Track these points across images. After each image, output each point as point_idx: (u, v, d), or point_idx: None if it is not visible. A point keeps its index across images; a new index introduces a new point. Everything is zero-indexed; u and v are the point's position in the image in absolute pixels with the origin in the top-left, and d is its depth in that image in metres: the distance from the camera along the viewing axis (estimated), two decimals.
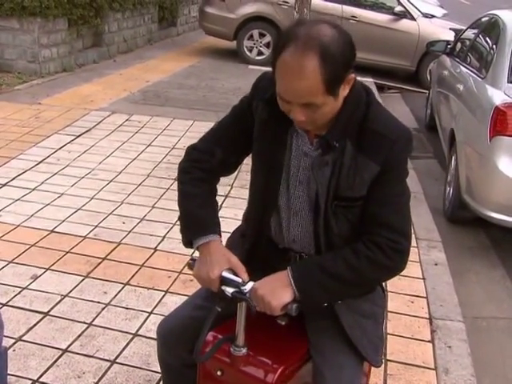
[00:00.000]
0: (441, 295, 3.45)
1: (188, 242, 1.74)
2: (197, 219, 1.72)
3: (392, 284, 3.46)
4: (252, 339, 1.64)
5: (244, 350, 1.63)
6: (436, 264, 3.80)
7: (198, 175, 1.78)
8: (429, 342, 3.01)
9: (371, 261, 1.59)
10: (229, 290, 1.57)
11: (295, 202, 1.72)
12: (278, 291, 1.55)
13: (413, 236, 4.05)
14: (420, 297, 3.41)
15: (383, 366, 2.78)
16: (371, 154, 1.60)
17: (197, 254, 1.70)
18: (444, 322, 3.18)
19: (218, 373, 1.64)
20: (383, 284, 1.91)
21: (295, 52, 1.45)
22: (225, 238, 1.82)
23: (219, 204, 1.84)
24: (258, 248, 1.81)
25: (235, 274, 1.60)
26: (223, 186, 4.31)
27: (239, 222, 2.04)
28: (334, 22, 1.54)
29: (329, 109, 1.55)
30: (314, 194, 1.66)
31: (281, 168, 1.71)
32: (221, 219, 1.79)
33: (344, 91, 1.56)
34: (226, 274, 1.60)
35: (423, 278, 3.61)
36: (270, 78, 1.60)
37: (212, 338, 1.69)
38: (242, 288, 1.56)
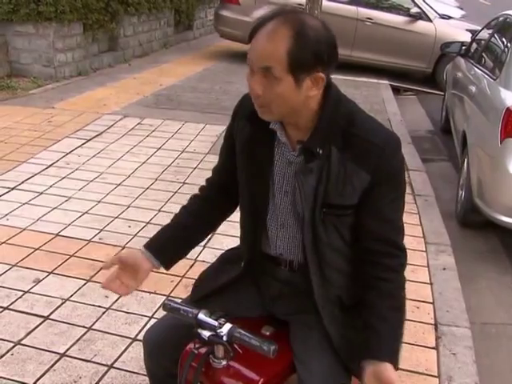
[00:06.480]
0: (448, 301, 3.37)
1: None
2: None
3: None
4: (233, 350, 1.58)
5: (224, 362, 1.58)
6: (444, 269, 3.72)
7: (202, 193, 1.89)
8: (433, 348, 2.95)
9: (401, 286, 1.63)
10: (205, 334, 1.51)
11: (281, 214, 1.68)
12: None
13: (421, 240, 4.05)
14: (426, 302, 3.34)
15: None
16: (360, 161, 1.55)
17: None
18: (450, 329, 3.11)
19: None
20: None
21: (275, 22, 1.48)
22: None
23: None
24: (252, 265, 1.78)
25: (211, 317, 1.54)
26: None
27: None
28: (323, 20, 1.54)
29: (286, 93, 1.48)
30: (300, 203, 1.61)
31: (267, 180, 1.66)
32: None
33: (311, 90, 1.50)
34: (201, 317, 1.54)
35: (430, 283, 3.54)
36: (250, 98, 1.58)
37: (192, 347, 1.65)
38: (219, 331, 1.50)
